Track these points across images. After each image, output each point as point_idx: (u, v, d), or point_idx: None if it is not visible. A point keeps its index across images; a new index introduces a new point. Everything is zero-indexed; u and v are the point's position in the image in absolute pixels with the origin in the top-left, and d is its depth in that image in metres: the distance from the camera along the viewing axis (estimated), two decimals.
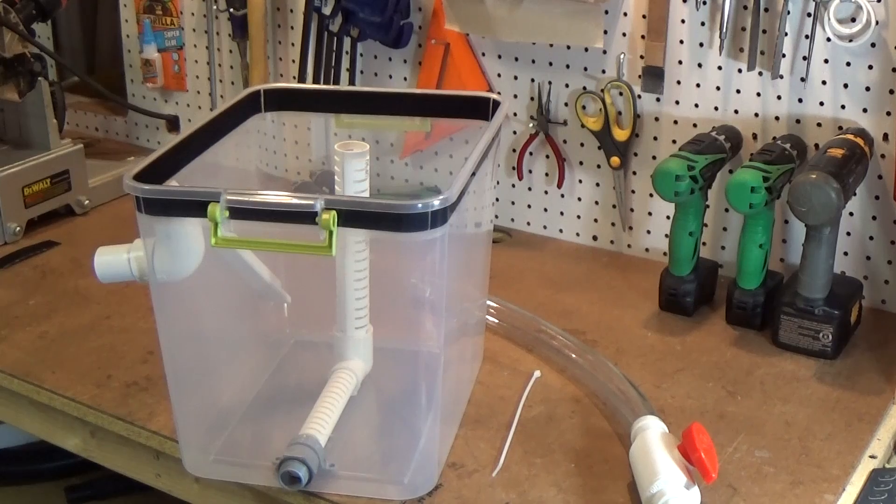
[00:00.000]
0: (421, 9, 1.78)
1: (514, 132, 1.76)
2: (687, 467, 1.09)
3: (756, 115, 1.54)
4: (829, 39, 1.45)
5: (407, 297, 1.22)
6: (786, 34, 1.47)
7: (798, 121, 1.52)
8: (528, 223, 1.80)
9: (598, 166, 1.70)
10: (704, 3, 1.53)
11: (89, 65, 2.40)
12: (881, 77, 1.43)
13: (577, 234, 1.76)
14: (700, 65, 1.57)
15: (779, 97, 1.52)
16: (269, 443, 1.21)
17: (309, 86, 1.82)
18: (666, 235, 1.58)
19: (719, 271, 1.58)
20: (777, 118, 1.53)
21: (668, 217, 1.57)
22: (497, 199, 1.79)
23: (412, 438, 1.18)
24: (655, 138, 1.64)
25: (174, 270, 1.09)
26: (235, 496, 1.21)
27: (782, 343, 1.41)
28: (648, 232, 1.69)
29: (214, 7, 1.98)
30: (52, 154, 1.86)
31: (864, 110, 1.46)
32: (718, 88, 1.56)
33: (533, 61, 1.71)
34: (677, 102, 1.60)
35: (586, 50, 1.65)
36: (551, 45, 1.67)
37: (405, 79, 1.84)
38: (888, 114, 1.44)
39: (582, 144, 1.71)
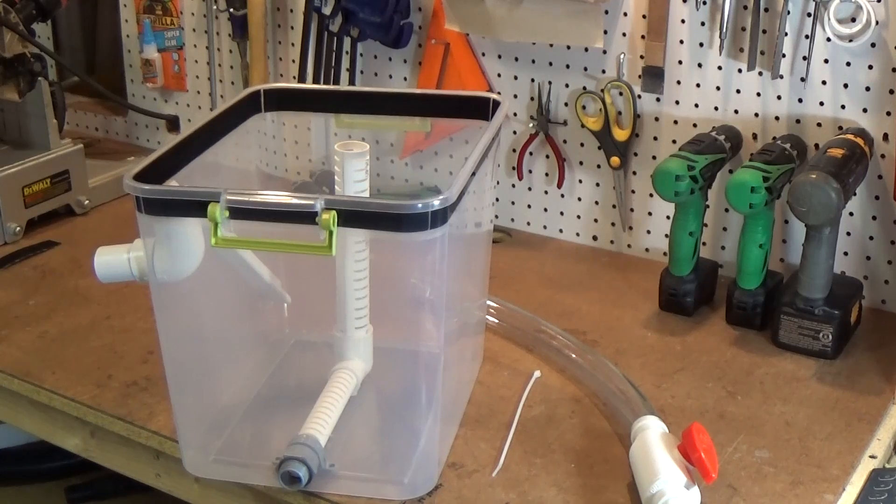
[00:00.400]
0: (421, 9, 1.78)
1: (514, 132, 1.76)
2: (687, 467, 1.09)
3: (756, 115, 1.54)
4: (829, 39, 1.45)
5: (407, 297, 1.22)
6: (786, 34, 1.47)
7: (798, 121, 1.52)
8: (528, 223, 1.80)
9: (598, 166, 1.70)
10: (704, 3, 1.53)
11: (89, 65, 2.40)
12: (881, 77, 1.43)
13: (577, 234, 1.76)
14: (700, 65, 1.57)
15: (779, 97, 1.52)
16: (269, 443, 1.21)
17: (309, 86, 1.82)
18: (666, 235, 1.58)
19: (719, 271, 1.58)
20: (777, 118, 1.53)
21: (668, 217, 1.57)
22: (497, 199, 1.79)
23: (412, 438, 1.18)
24: (655, 138, 1.64)
25: (174, 270, 1.09)
26: (235, 496, 1.21)
27: (782, 343, 1.41)
28: (648, 232, 1.69)
29: (214, 7, 1.98)
30: (52, 154, 1.86)
31: (864, 110, 1.46)
32: (718, 88, 1.56)
33: (533, 61, 1.71)
34: (677, 102, 1.60)
35: (586, 50, 1.65)
36: (551, 45, 1.67)
37: (405, 79, 1.84)
38: (888, 114, 1.44)
39: (582, 144, 1.71)
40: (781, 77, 1.50)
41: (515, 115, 1.75)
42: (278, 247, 1.05)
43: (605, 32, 1.61)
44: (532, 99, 1.73)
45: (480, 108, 1.30)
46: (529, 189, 1.78)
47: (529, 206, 1.79)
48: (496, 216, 1.79)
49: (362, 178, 1.19)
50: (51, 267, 1.69)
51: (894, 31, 1.41)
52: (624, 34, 1.61)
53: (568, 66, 1.68)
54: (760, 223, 1.43)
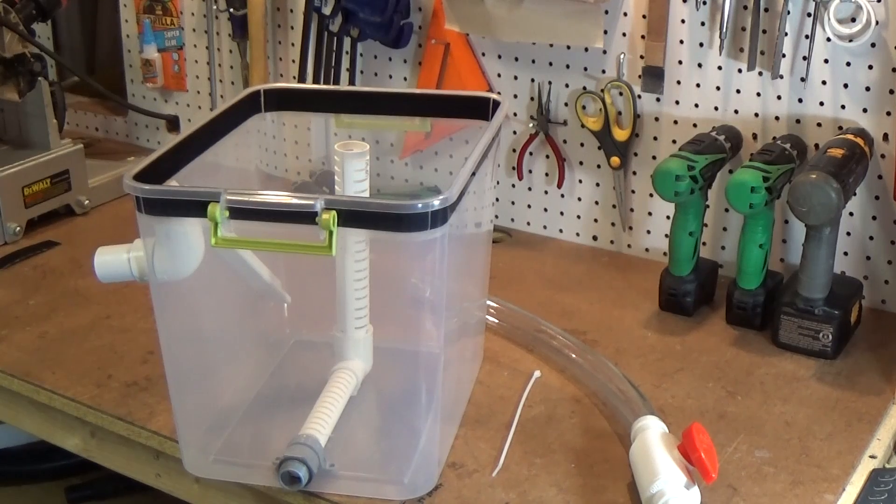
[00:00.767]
0: (421, 9, 1.78)
1: (514, 132, 1.76)
2: (687, 467, 1.09)
3: (756, 115, 1.54)
4: (829, 39, 1.45)
5: (407, 297, 1.22)
6: (786, 34, 1.47)
7: (798, 121, 1.52)
8: (528, 223, 1.80)
9: (598, 166, 1.70)
10: (704, 3, 1.53)
11: (89, 65, 2.40)
12: (881, 77, 1.43)
13: (577, 234, 1.76)
14: (700, 65, 1.57)
15: (779, 97, 1.52)
16: (269, 443, 1.21)
17: (309, 86, 1.82)
18: (666, 235, 1.58)
19: (719, 271, 1.58)
20: (777, 118, 1.53)
21: (668, 217, 1.57)
22: (497, 199, 1.79)
23: (412, 438, 1.18)
24: (655, 138, 1.64)
25: (174, 270, 1.09)
26: (235, 496, 1.21)
27: (782, 343, 1.41)
28: (648, 232, 1.69)
29: (214, 7, 1.98)
30: (52, 154, 1.86)
31: (864, 110, 1.46)
32: (718, 88, 1.56)
33: (533, 61, 1.71)
34: (677, 102, 1.60)
35: (586, 50, 1.65)
36: (551, 45, 1.67)
37: (405, 79, 1.84)
38: (888, 114, 1.44)
39: (582, 144, 1.71)
40: (781, 77, 1.50)
41: (515, 115, 1.75)
42: (278, 247, 1.05)
43: (605, 32, 1.61)
44: (532, 99, 1.73)
45: (480, 108, 1.30)
46: (529, 189, 1.78)
47: (529, 206, 1.79)
48: (496, 216, 1.79)
49: (362, 178, 1.19)
50: (51, 267, 1.69)
51: (894, 31, 1.41)
52: (624, 34, 1.61)
53: (568, 66, 1.68)
54: (760, 223, 1.43)
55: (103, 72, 2.33)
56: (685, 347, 1.44)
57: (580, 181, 1.73)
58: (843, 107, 1.47)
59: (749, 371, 1.37)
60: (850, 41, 1.42)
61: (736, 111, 1.56)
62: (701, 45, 1.56)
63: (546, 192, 1.77)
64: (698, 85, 1.58)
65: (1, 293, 1.60)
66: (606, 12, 1.60)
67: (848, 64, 1.45)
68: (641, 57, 1.60)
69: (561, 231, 1.78)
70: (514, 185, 1.79)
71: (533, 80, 1.72)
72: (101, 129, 2.26)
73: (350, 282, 1.22)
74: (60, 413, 1.34)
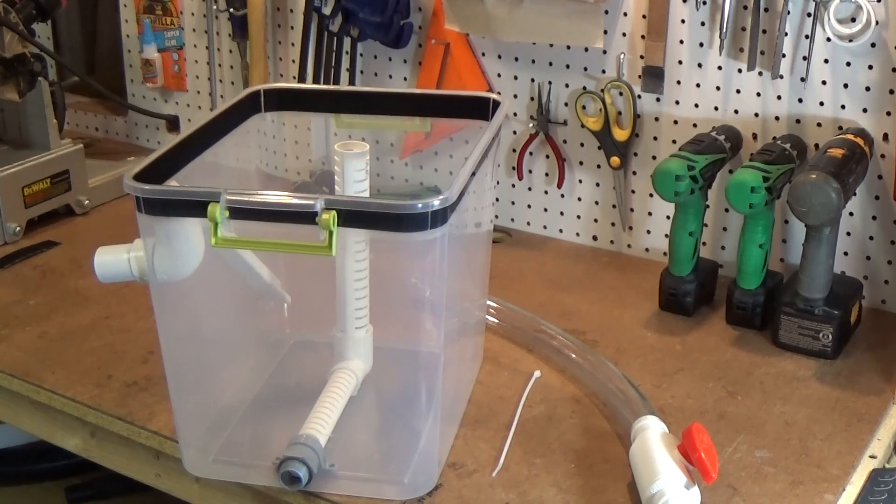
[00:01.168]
0: (421, 9, 1.78)
1: (514, 132, 1.76)
2: (687, 467, 1.09)
3: (756, 115, 1.54)
4: (829, 39, 1.45)
5: (407, 297, 1.22)
6: (786, 34, 1.47)
7: (798, 121, 1.52)
8: (528, 223, 1.80)
9: (598, 166, 1.70)
10: (704, 3, 1.53)
11: (89, 65, 2.40)
12: (881, 77, 1.43)
13: (577, 234, 1.76)
14: (700, 65, 1.57)
15: (779, 97, 1.52)
16: (269, 443, 1.21)
17: (309, 86, 1.82)
18: (666, 235, 1.58)
19: (719, 271, 1.58)
20: (777, 118, 1.53)
21: (668, 217, 1.57)
22: (497, 199, 1.79)
23: (412, 438, 1.18)
24: (655, 138, 1.64)
25: (174, 270, 1.09)
26: (235, 496, 1.21)
27: (782, 343, 1.41)
28: (648, 232, 1.69)
29: (214, 7, 1.98)
30: (52, 154, 1.86)
31: (864, 110, 1.46)
32: (718, 88, 1.56)
33: (533, 61, 1.71)
34: (677, 102, 1.60)
35: (586, 50, 1.65)
36: (551, 45, 1.67)
37: (405, 79, 1.84)
38: (888, 114, 1.44)
39: (582, 144, 1.71)
40: (781, 77, 1.50)
41: (515, 115, 1.75)
42: (278, 247, 1.05)
43: (605, 32, 1.61)
44: (532, 99, 1.73)
45: (480, 108, 1.30)
46: (529, 189, 1.78)
47: (529, 206, 1.79)
48: (496, 216, 1.79)
49: (362, 178, 1.19)
50: (51, 267, 1.69)
51: (894, 31, 1.41)
52: (624, 34, 1.61)
53: (568, 66, 1.68)
54: (760, 223, 1.43)
55: (103, 72, 2.33)
56: (685, 347, 1.44)
57: (580, 181, 1.73)
58: (843, 107, 1.47)
59: (749, 371, 1.37)
60: (850, 41, 1.42)
61: (736, 111, 1.56)
62: (701, 45, 1.56)
63: (546, 192, 1.77)
64: (698, 85, 1.58)
65: (1, 293, 1.60)
66: (606, 12, 1.60)
67: (848, 64, 1.45)
68: (641, 57, 1.60)
69: (561, 231, 1.78)
70: (514, 185, 1.79)
71: (533, 80, 1.72)
72: (101, 129, 2.26)
73: (350, 282, 1.22)
74: (60, 413, 1.34)
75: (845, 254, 1.52)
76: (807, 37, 1.46)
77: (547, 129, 1.72)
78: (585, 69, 1.67)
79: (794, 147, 1.47)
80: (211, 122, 1.24)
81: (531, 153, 1.76)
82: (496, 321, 1.47)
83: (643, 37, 1.59)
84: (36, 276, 1.67)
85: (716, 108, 1.57)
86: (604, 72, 1.65)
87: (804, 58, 1.47)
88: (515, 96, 1.73)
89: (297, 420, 1.15)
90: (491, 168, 1.27)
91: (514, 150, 1.76)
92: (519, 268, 1.68)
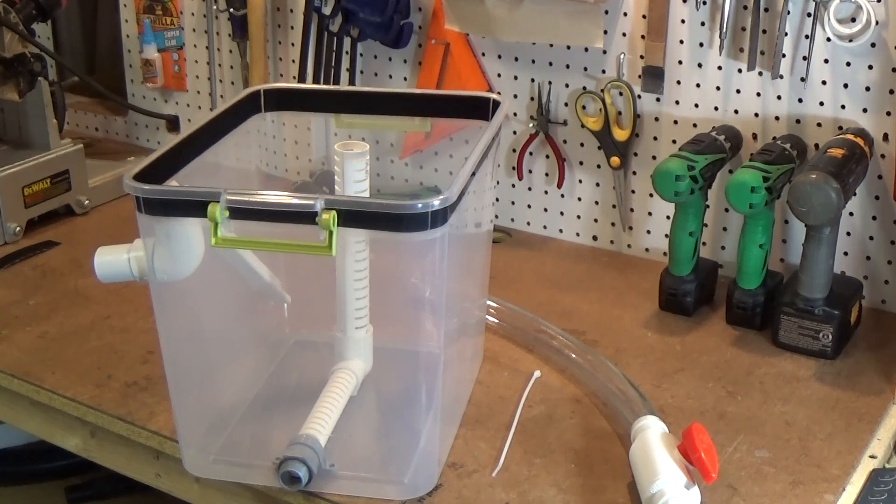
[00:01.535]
0: (421, 9, 1.78)
1: (514, 132, 1.76)
2: (687, 467, 1.09)
3: (756, 115, 1.54)
4: (829, 39, 1.45)
5: (407, 297, 1.22)
6: (786, 34, 1.47)
7: (798, 121, 1.52)
8: (528, 223, 1.80)
9: (598, 166, 1.70)
10: (704, 3, 1.53)
11: (89, 65, 2.40)
12: (881, 77, 1.43)
13: (577, 234, 1.76)
14: (700, 65, 1.57)
15: (779, 97, 1.52)
16: (269, 443, 1.21)
17: (309, 86, 1.82)
18: (666, 235, 1.58)
19: (719, 271, 1.58)
20: (777, 118, 1.53)
21: (668, 217, 1.57)
22: (497, 199, 1.79)
23: (412, 438, 1.18)
24: (655, 138, 1.64)
25: (174, 270, 1.09)
26: (235, 496, 1.21)
27: (782, 343, 1.41)
28: (648, 232, 1.69)
29: (214, 7, 1.98)
30: (52, 154, 1.86)
31: (864, 110, 1.46)
32: (718, 88, 1.56)
33: (533, 61, 1.71)
34: (677, 102, 1.60)
35: (586, 50, 1.65)
36: (551, 45, 1.67)
37: (405, 79, 1.84)
38: (888, 114, 1.44)
39: (582, 144, 1.71)
40: (781, 77, 1.50)
41: (515, 115, 1.75)
42: (278, 247, 1.05)
43: (605, 32, 1.61)
44: (532, 99, 1.73)
45: (480, 108, 1.30)
46: (529, 189, 1.78)
47: (529, 206, 1.79)
48: (496, 216, 1.79)
49: (362, 178, 1.19)
50: (51, 267, 1.69)
51: (894, 31, 1.41)
52: (624, 34, 1.61)
53: (568, 66, 1.68)
54: (760, 223, 1.43)
55: (103, 72, 2.33)
56: (685, 347, 1.44)
57: (580, 181, 1.73)
58: (843, 107, 1.47)
59: (749, 371, 1.37)
60: (850, 41, 1.42)
61: (736, 111, 1.56)
62: (701, 45, 1.56)
63: (546, 192, 1.77)
64: (698, 85, 1.58)
65: (1, 293, 1.60)
66: (606, 12, 1.60)
67: (848, 64, 1.45)
68: (641, 57, 1.60)
69: (561, 231, 1.78)
70: (514, 185, 1.79)
71: (533, 80, 1.72)
72: (101, 129, 2.26)
73: (350, 282, 1.22)
74: (60, 413, 1.34)
75: (845, 254, 1.52)
76: (807, 37, 1.46)
77: (547, 129, 1.72)
78: (585, 69, 1.67)
79: (794, 147, 1.47)
80: (211, 122, 1.24)
81: (531, 153, 1.76)
82: (496, 321, 1.47)
83: (643, 37, 1.59)
84: (36, 276, 1.67)
85: (716, 108, 1.57)
86: (604, 72, 1.65)
87: (804, 58, 1.47)
88: (515, 96, 1.73)
89: (297, 420, 1.15)
90: (491, 168, 1.27)
91: (514, 150, 1.76)
92: (519, 268, 1.68)
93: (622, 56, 1.62)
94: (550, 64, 1.69)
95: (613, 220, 1.72)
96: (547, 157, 1.75)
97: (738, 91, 1.55)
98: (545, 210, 1.78)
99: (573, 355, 1.37)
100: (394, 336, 1.29)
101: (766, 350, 1.42)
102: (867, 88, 1.45)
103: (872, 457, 1.21)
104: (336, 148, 1.18)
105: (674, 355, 1.42)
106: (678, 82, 1.59)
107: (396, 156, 1.88)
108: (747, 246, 1.45)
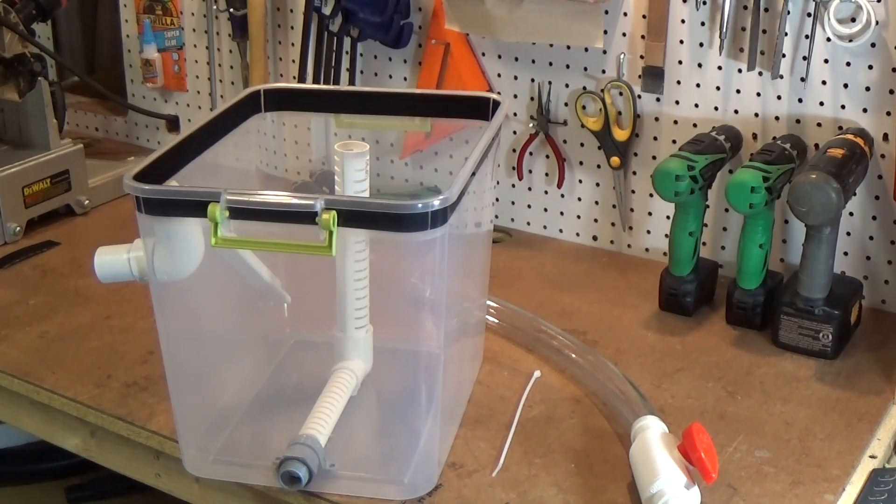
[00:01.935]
0: (421, 9, 1.78)
1: (514, 132, 1.76)
2: (687, 467, 1.09)
3: (756, 115, 1.54)
4: (829, 39, 1.45)
5: (407, 297, 1.22)
6: (786, 34, 1.47)
7: (798, 121, 1.52)
8: (528, 223, 1.80)
9: (598, 166, 1.70)
10: (704, 3, 1.53)
11: (89, 65, 2.40)
12: (881, 77, 1.43)
13: (577, 234, 1.76)
14: (700, 65, 1.57)
15: (779, 97, 1.52)
16: (269, 443, 1.21)
17: (309, 86, 1.82)
18: (666, 235, 1.58)
19: (719, 271, 1.58)
20: (777, 118, 1.53)
21: (668, 217, 1.57)
22: (497, 199, 1.79)
23: (412, 438, 1.18)
24: (655, 138, 1.64)
25: (174, 270, 1.09)
26: (235, 496, 1.21)
27: (782, 343, 1.41)
28: (648, 232, 1.69)
29: (214, 7, 1.98)
30: (52, 154, 1.86)
31: (864, 110, 1.46)
32: (718, 88, 1.56)
33: (533, 61, 1.71)
34: (677, 102, 1.60)
35: (586, 50, 1.65)
36: (551, 45, 1.67)
37: (405, 79, 1.84)
38: (888, 114, 1.44)
39: (582, 144, 1.71)
40: (781, 77, 1.50)
41: (515, 115, 1.75)
42: (278, 247, 1.05)
43: (605, 32, 1.61)
44: (532, 99, 1.73)
45: (480, 108, 1.30)
46: (529, 189, 1.78)
47: (529, 206, 1.79)
48: (496, 216, 1.79)
49: (362, 178, 1.19)
50: (51, 267, 1.69)
51: (894, 31, 1.41)
52: (624, 34, 1.61)
53: (568, 66, 1.68)
54: (760, 223, 1.43)
55: (103, 72, 2.33)
56: (685, 347, 1.44)
57: (580, 181, 1.73)
58: (843, 107, 1.47)
59: (749, 371, 1.37)
60: (850, 41, 1.42)
61: (736, 111, 1.56)
62: (701, 45, 1.56)
63: (546, 192, 1.77)
64: (698, 85, 1.58)
65: (1, 293, 1.60)
66: (606, 12, 1.60)
67: (848, 64, 1.45)
68: (641, 57, 1.60)
69: (561, 231, 1.78)
70: (514, 185, 1.79)
71: (533, 80, 1.72)
72: (101, 129, 2.26)
73: (350, 282, 1.22)
74: (60, 413, 1.34)
75: (845, 254, 1.52)
76: (807, 37, 1.46)
77: (547, 129, 1.72)
78: (585, 69, 1.67)
79: (794, 147, 1.47)
80: (211, 122, 1.24)
81: (531, 153, 1.76)
82: (496, 321, 1.47)
83: (643, 37, 1.59)
84: (36, 276, 1.67)
85: (716, 108, 1.57)
86: (604, 72, 1.65)
87: (804, 58, 1.47)
88: (515, 96, 1.73)
89: (297, 420, 1.15)
90: (491, 168, 1.27)
91: (514, 150, 1.76)
92: (519, 268, 1.68)
93: (622, 56, 1.62)
94: (550, 64, 1.69)
95: (613, 220, 1.72)
96: (547, 157, 1.75)
97: (738, 91, 1.55)
98: (545, 210, 1.78)
99: (573, 355, 1.37)
100: (394, 336, 1.29)
101: (766, 350, 1.42)
102: (867, 88, 1.45)
103: (872, 457, 1.21)
104: (336, 148, 1.18)
105: (674, 355, 1.42)
106: (678, 82, 1.59)
107: (396, 156, 1.88)
108: (747, 246, 1.45)
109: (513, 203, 1.81)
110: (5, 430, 1.84)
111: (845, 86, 1.46)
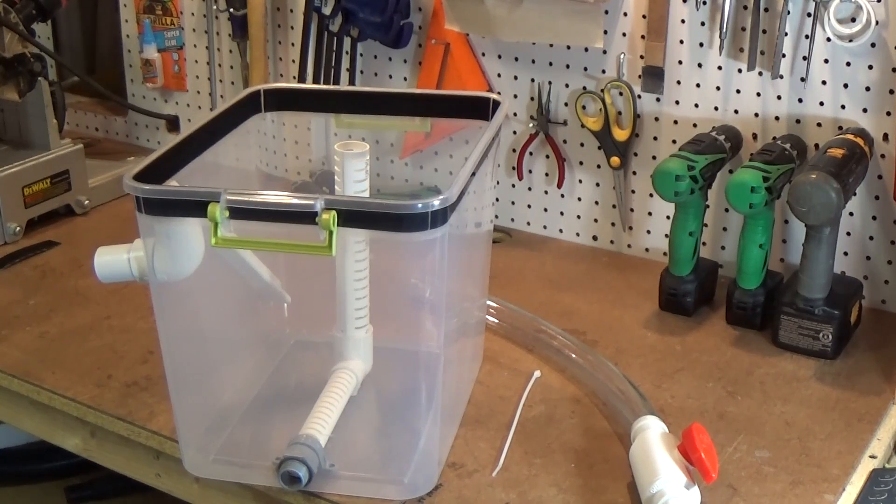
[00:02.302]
0: (421, 9, 1.78)
1: (514, 132, 1.76)
2: (687, 467, 1.09)
3: (756, 115, 1.54)
4: (829, 39, 1.45)
5: (407, 297, 1.22)
6: (786, 34, 1.47)
7: (798, 121, 1.52)
8: (528, 223, 1.80)
9: (598, 166, 1.70)
10: (704, 3, 1.53)
11: (89, 65, 2.40)
12: (881, 77, 1.43)
13: (577, 234, 1.76)
14: (700, 65, 1.57)
15: (779, 97, 1.52)
16: (269, 443, 1.21)
17: (309, 86, 1.82)
18: (666, 235, 1.58)
19: (719, 271, 1.58)
20: (777, 118, 1.53)
21: (668, 217, 1.57)
22: (497, 199, 1.79)
23: (412, 438, 1.18)
24: (655, 138, 1.64)
25: (174, 270, 1.09)
26: (235, 496, 1.21)
27: (782, 343, 1.41)
28: (648, 232, 1.69)
29: (214, 7, 1.98)
30: (52, 154, 1.86)
31: (864, 110, 1.46)
32: (718, 88, 1.56)
33: (533, 61, 1.71)
34: (677, 102, 1.60)
35: (586, 50, 1.65)
36: (551, 45, 1.67)
37: (405, 79, 1.84)
38: (888, 114, 1.44)
39: (582, 144, 1.71)
40: (781, 77, 1.50)
41: (515, 115, 1.75)
42: (278, 247, 1.05)
43: (605, 32, 1.61)
44: (532, 99, 1.73)
45: (480, 108, 1.30)
46: (529, 189, 1.78)
47: (529, 206, 1.79)
48: (496, 216, 1.79)
49: (362, 178, 1.19)
50: (51, 267, 1.69)
51: (894, 31, 1.41)
52: (624, 34, 1.61)
53: (568, 66, 1.68)
54: (760, 223, 1.43)
55: (103, 72, 2.33)
56: (685, 347, 1.44)
57: (580, 181, 1.73)
58: (843, 107, 1.47)
59: (749, 371, 1.37)
60: (850, 41, 1.42)
61: (736, 111, 1.56)
62: (701, 45, 1.56)
63: (546, 192, 1.77)
64: (698, 85, 1.58)
65: (1, 293, 1.60)
66: (606, 12, 1.60)
67: (848, 64, 1.45)
68: (641, 57, 1.60)
69: (561, 231, 1.78)
70: (514, 185, 1.79)
71: (533, 80, 1.72)
72: (101, 129, 2.26)
73: (350, 282, 1.22)
74: (60, 413, 1.34)
75: (845, 254, 1.52)
76: (807, 37, 1.46)
77: (547, 129, 1.72)
78: (585, 69, 1.67)
79: (794, 147, 1.47)
80: (211, 122, 1.24)
81: (531, 153, 1.76)
82: (496, 321, 1.47)
83: (643, 37, 1.59)
84: (36, 276, 1.67)
85: (716, 108, 1.57)
86: (604, 72, 1.65)
87: (804, 58, 1.47)
88: (515, 96, 1.74)
89: (297, 420, 1.15)
90: (491, 168, 1.27)
91: (514, 150, 1.76)
92: (519, 268, 1.68)
93: (622, 56, 1.62)
94: (550, 64, 1.69)
95: (613, 220, 1.72)
96: (547, 157, 1.75)
97: (738, 91, 1.55)
98: (545, 210, 1.78)
99: (573, 355, 1.37)
100: (394, 336, 1.29)
101: (766, 350, 1.42)
102: (867, 88, 1.45)
103: (872, 457, 1.21)
104: (336, 148, 1.18)
105: (674, 355, 1.42)
106: (678, 82, 1.59)
107: (396, 156, 1.88)
108: (747, 246, 1.45)
109: (513, 203, 1.81)
110: (5, 430, 1.84)
111: (845, 86, 1.46)
